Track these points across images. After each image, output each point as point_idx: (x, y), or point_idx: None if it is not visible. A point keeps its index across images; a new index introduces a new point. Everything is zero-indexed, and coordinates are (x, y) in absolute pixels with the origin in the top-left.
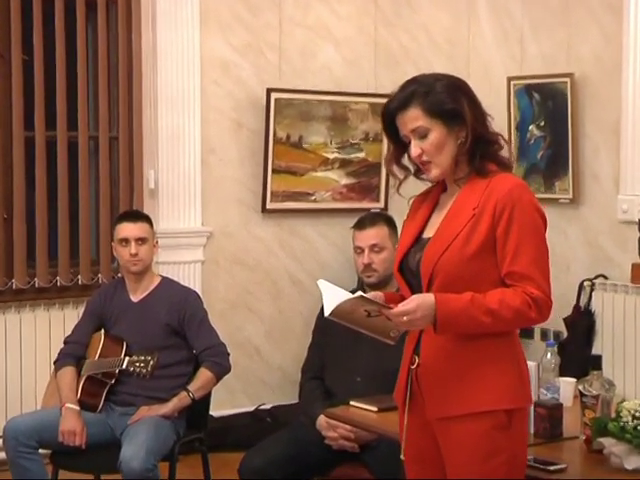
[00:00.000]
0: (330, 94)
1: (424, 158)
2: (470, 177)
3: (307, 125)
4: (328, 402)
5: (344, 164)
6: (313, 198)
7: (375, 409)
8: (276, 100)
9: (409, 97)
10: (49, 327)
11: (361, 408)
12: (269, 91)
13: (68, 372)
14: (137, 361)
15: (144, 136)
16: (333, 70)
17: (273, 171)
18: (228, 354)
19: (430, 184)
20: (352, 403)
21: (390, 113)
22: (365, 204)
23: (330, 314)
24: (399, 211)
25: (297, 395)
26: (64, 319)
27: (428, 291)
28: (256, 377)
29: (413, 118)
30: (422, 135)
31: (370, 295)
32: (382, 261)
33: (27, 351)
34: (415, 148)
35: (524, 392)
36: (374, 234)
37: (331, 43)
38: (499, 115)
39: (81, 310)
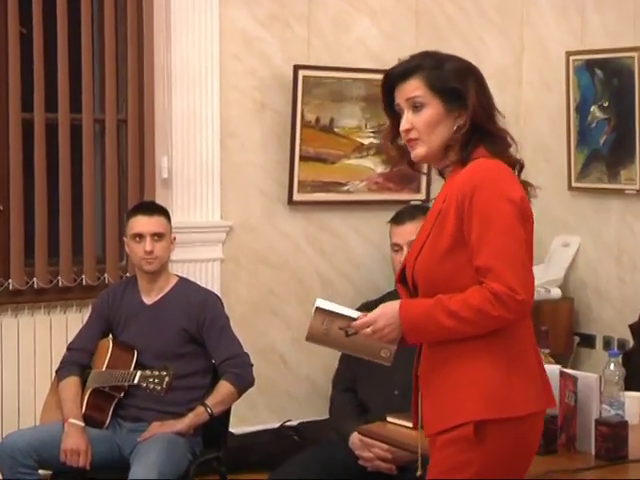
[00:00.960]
0: (365, 71)
1: (412, 135)
2: (455, 167)
3: (339, 106)
4: (362, 418)
5: (380, 150)
6: (346, 189)
7: (410, 425)
8: (304, 78)
9: (414, 67)
10: (50, 332)
11: (399, 425)
12: (296, 68)
13: (72, 383)
14: (150, 376)
15: (156, 119)
16: (369, 44)
17: (301, 158)
18: (251, 365)
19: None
20: (389, 419)
21: (390, 81)
22: (404, 195)
23: (307, 338)
24: None
25: (327, 410)
26: (66, 323)
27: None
28: (281, 389)
29: (413, 87)
30: (417, 108)
31: (333, 306)
32: None
33: (25, 359)
34: (405, 121)
35: (502, 401)
36: (414, 229)
37: (367, 14)
38: (556, 95)
39: (85, 314)
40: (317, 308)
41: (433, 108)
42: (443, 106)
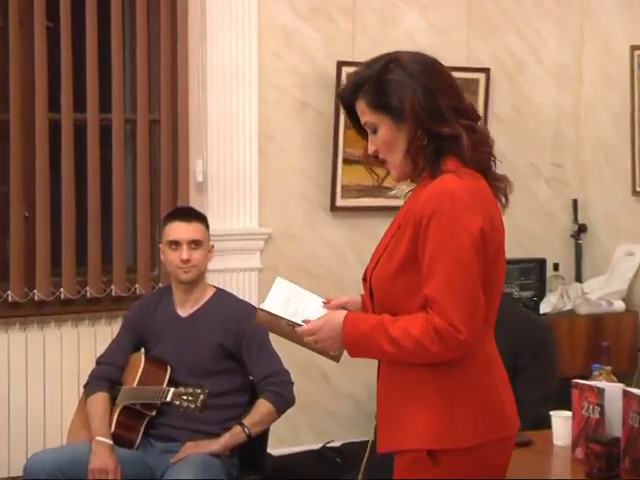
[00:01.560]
0: None
1: (380, 156)
2: (423, 177)
3: None
4: None
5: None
6: (393, 193)
7: None
8: (349, 75)
9: (357, 87)
10: (77, 346)
11: None
12: (340, 65)
13: (100, 399)
14: (184, 394)
15: (190, 119)
16: (417, 39)
17: (344, 161)
18: (292, 384)
19: None
20: None
21: (346, 104)
22: None
23: (255, 321)
24: None
25: (373, 430)
26: (95, 337)
27: (373, 307)
28: (323, 408)
29: (362, 112)
30: (373, 130)
31: (332, 303)
32: None
33: (51, 375)
34: (370, 144)
35: (445, 433)
36: None
37: (415, 6)
38: (619, 92)
39: (115, 326)
40: (260, 309)
41: (384, 127)
42: (391, 122)
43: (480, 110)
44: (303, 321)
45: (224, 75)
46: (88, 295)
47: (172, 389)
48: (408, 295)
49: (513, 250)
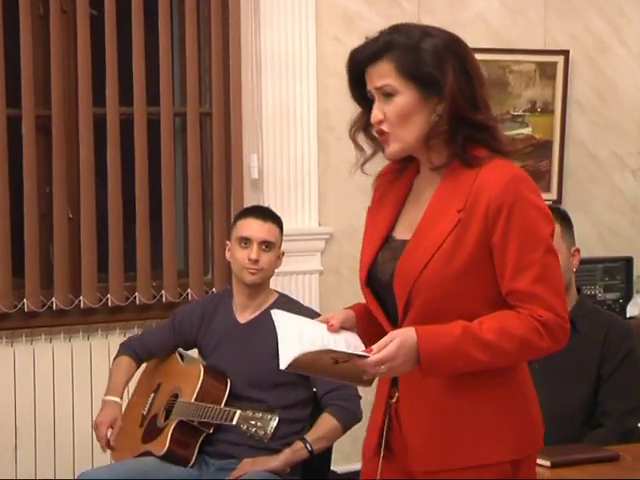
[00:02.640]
0: (486, 52)
1: (384, 127)
2: (452, 165)
3: None
4: None
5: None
6: None
7: (548, 464)
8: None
9: (383, 48)
10: None
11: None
12: None
13: (123, 362)
14: (253, 418)
15: (244, 111)
16: (490, 21)
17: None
18: (359, 397)
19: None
20: None
21: (357, 65)
22: None
23: (287, 367)
24: (577, 203)
25: None
26: None
27: (405, 312)
28: None
29: (382, 73)
30: (388, 95)
31: (335, 325)
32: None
33: (99, 386)
34: (376, 111)
35: (533, 436)
36: (558, 231)
37: None
38: None
39: None
40: (328, 349)
41: (406, 96)
42: (418, 93)
43: (559, 96)
44: (364, 350)
45: (280, 63)
46: (137, 302)
47: (239, 411)
48: (472, 295)
49: (595, 248)
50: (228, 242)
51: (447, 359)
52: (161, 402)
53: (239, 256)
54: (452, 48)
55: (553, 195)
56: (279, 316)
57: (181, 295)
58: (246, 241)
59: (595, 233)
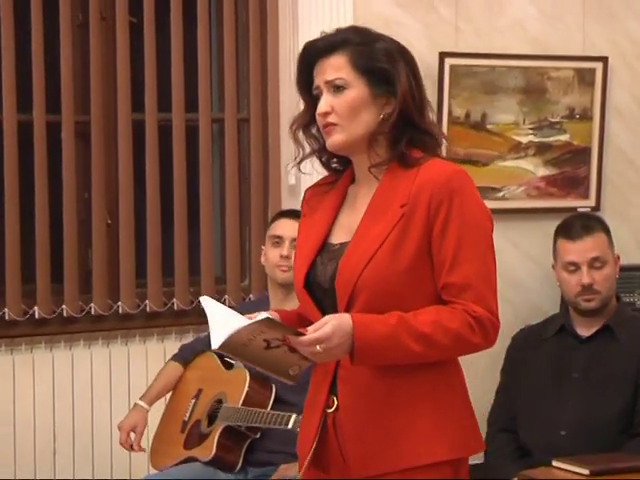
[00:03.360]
0: (523, 58)
1: (330, 119)
2: (390, 166)
3: (492, 99)
4: (523, 462)
5: (542, 150)
6: (501, 195)
7: (586, 472)
8: (452, 67)
9: (340, 41)
10: (164, 362)
11: (567, 471)
12: (443, 56)
13: (169, 368)
14: None
15: (281, 117)
16: (527, 27)
17: (448, 160)
18: None
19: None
20: (555, 464)
21: (310, 56)
22: (570, 202)
23: (220, 347)
24: (616, 209)
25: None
26: None
27: (348, 311)
28: None
29: (335, 66)
30: (338, 89)
31: (273, 316)
32: (605, 279)
33: (136, 391)
34: (323, 103)
35: (474, 434)
36: (593, 244)
37: None
38: None
39: None
40: (267, 319)
41: (357, 90)
42: (369, 89)
43: (597, 102)
44: (300, 330)
45: None
46: (175, 307)
47: (294, 415)
48: (415, 291)
49: (634, 255)
50: (263, 247)
51: (381, 347)
52: (203, 408)
53: (271, 255)
54: (404, 55)
55: (592, 202)
56: (209, 302)
57: (219, 301)
58: (278, 239)
59: (633, 240)
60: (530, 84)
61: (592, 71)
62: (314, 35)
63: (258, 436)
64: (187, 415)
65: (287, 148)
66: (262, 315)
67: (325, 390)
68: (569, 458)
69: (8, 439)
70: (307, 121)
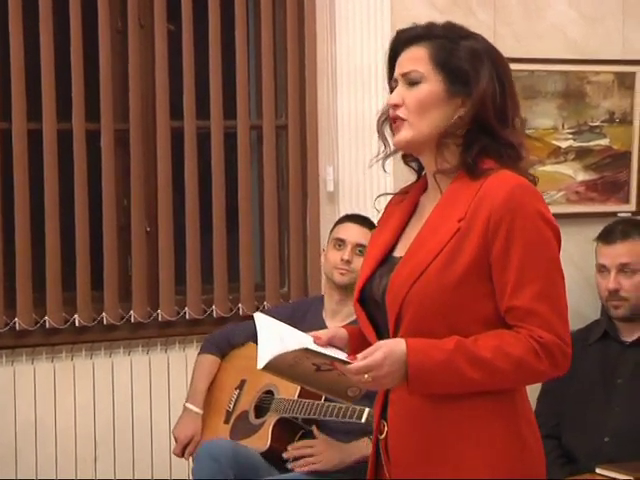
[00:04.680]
0: (563, 62)
1: (399, 112)
2: (458, 175)
3: (531, 104)
4: (567, 469)
5: (581, 154)
6: None
7: (630, 479)
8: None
9: (424, 33)
10: None
11: (611, 478)
12: None
13: (209, 362)
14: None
15: (320, 124)
16: (567, 31)
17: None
18: None
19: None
20: (599, 471)
21: (397, 45)
22: (610, 207)
23: (264, 367)
24: None
25: None
26: None
27: (396, 329)
28: None
29: (414, 58)
30: (413, 83)
31: (323, 338)
32: (635, 287)
33: (176, 398)
34: (395, 95)
35: (530, 467)
36: (626, 250)
37: None
38: None
39: None
40: (305, 349)
41: (432, 85)
42: (445, 86)
43: (637, 106)
44: (348, 357)
45: (355, 75)
46: (214, 315)
47: (367, 409)
48: (467, 311)
49: None
50: (323, 250)
51: (437, 374)
52: (249, 398)
53: (332, 257)
54: (492, 56)
55: (632, 206)
56: (262, 319)
57: (258, 307)
58: (341, 242)
59: None
60: (569, 88)
61: (632, 75)
62: (352, 40)
63: (313, 429)
64: (230, 406)
65: (325, 154)
66: (303, 344)
67: (377, 414)
68: (613, 465)
69: (50, 446)
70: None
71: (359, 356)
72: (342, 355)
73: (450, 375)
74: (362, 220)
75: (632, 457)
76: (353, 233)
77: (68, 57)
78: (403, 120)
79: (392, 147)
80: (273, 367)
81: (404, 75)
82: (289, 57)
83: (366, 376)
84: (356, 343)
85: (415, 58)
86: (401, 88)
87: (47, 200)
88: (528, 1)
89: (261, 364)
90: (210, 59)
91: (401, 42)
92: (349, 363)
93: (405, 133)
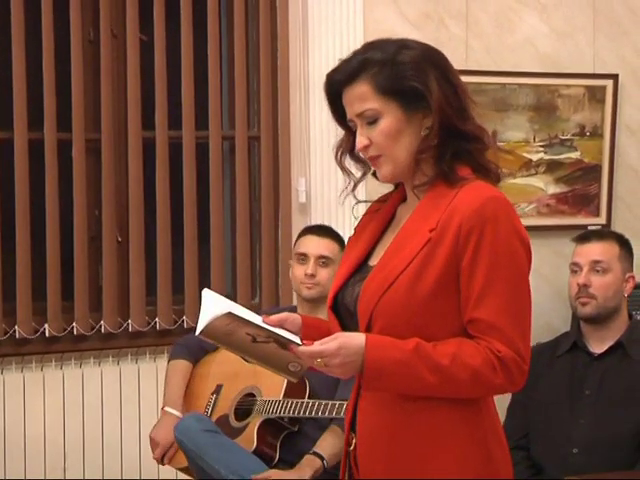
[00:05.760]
0: (534, 76)
1: (371, 152)
2: (435, 184)
3: (503, 116)
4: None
5: (552, 167)
6: None
7: None
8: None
9: (358, 67)
10: None
11: None
12: None
13: (182, 367)
14: None
15: (292, 135)
16: (538, 45)
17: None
18: None
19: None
20: None
21: (334, 87)
22: (580, 220)
23: (201, 332)
24: (627, 227)
25: None
26: None
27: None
28: None
29: (359, 97)
30: (371, 121)
31: (273, 319)
32: (604, 286)
33: (147, 409)
34: (360, 137)
35: (497, 477)
36: (600, 249)
37: (535, 9)
38: None
39: None
40: (229, 313)
41: (390, 117)
42: (402, 111)
43: (608, 120)
44: (304, 342)
45: None
46: (185, 325)
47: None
48: (437, 323)
49: None
50: (291, 262)
51: (393, 372)
52: (227, 403)
53: (297, 272)
54: (431, 59)
55: (602, 219)
56: (210, 294)
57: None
58: (303, 257)
59: None
60: (540, 101)
61: (603, 88)
62: (324, 52)
63: (296, 429)
64: (208, 410)
65: (297, 166)
66: (227, 308)
67: (347, 426)
68: (581, 476)
69: (19, 456)
70: (350, 146)
71: (316, 342)
72: (295, 338)
73: (406, 375)
74: (323, 231)
75: (600, 468)
76: (314, 246)
77: (40, 66)
78: (379, 156)
79: (357, 176)
80: (211, 334)
81: (359, 115)
82: (262, 68)
83: (319, 360)
84: (310, 332)
85: (361, 97)
86: (362, 128)
87: (18, 209)
88: (500, 15)
89: (198, 330)
90: (182, 69)
91: (336, 83)
92: (296, 344)
93: (386, 168)
